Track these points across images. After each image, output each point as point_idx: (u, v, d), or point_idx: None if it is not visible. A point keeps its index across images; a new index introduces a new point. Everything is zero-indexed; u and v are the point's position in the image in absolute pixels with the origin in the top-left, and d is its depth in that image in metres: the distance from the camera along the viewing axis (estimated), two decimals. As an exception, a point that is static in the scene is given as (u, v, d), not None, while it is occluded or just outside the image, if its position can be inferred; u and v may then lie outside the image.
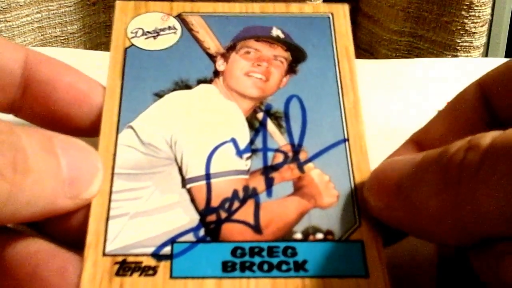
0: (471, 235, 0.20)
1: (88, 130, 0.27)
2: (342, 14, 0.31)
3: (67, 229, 0.24)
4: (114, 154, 0.25)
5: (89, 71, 0.28)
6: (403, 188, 0.22)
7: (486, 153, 0.19)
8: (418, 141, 0.26)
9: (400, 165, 0.22)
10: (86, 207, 0.24)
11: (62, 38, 0.61)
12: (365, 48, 0.62)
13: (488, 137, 0.20)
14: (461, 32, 0.54)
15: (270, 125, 0.27)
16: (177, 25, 0.30)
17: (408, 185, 0.22)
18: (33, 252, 0.22)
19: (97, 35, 0.63)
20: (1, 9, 0.55)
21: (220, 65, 0.29)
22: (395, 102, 0.36)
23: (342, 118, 0.27)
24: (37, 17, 0.58)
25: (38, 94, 0.26)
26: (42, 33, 0.59)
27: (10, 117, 0.28)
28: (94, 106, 0.27)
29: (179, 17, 0.30)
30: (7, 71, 0.26)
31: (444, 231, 0.21)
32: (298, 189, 0.25)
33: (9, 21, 0.56)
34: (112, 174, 0.25)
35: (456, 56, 0.56)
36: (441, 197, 0.20)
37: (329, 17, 0.31)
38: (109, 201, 0.24)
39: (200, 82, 0.28)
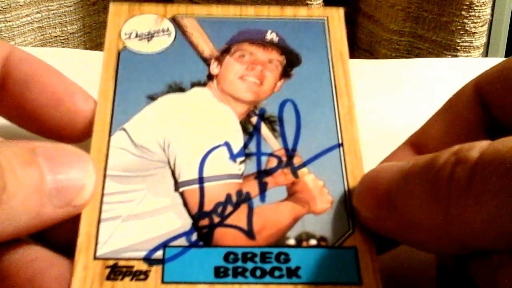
0: (464, 248, 0.20)
1: (66, 135, 0.26)
2: (337, 17, 0.31)
3: (60, 235, 0.23)
4: (107, 156, 0.25)
5: (88, 71, 0.28)
6: (392, 198, 0.22)
7: (475, 169, 0.19)
8: (415, 143, 0.26)
9: (389, 173, 0.22)
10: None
11: (62, 38, 0.61)
12: (365, 48, 0.61)
13: (476, 150, 0.19)
14: (461, 32, 0.54)
15: (264, 129, 0.27)
16: (171, 28, 0.30)
17: (397, 196, 0.21)
18: (31, 260, 0.22)
19: (97, 35, 0.63)
20: (1, 9, 0.55)
21: (214, 68, 0.29)
22: (395, 102, 0.36)
23: (336, 123, 0.27)
24: (37, 17, 0.58)
25: (14, 93, 0.26)
26: (42, 33, 0.59)
27: None
28: (69, 110, 0.26)
29: (173, 20, 0.30)
30: None
31: (436, 242, 0.21)
32: (291, 194, 0.25)
33: (9, 21, 0.56)
34: (104, 176, 0.25)
35: (456, 56, 0.55)
36: (431, 211, 0.20)
37: (323, 21, 0.31)
38: (101, 203, 0.24)
39: (194, 85, 0.28)
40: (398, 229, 0.22)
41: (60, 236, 0.23)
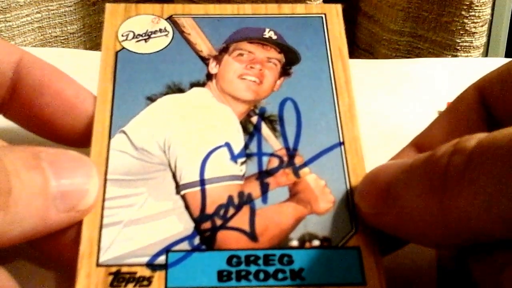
0: (461, 238, 0.20)
1: (76, 140, 0.26)
2: (335, 14, 0.31)
3: (59, 247, 0.23)
4: (107, 160, 0.25)
5: (88, 71, 0.28)
6: (391, 192, 0.22)
7: (471, 156, 0.19)
8: (418, 145, 0.26)
9: (391, 170, 0.22)
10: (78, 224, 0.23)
11: (62, 38, 0.61)
12: (365, 48, 0.61)
13: (474, 140, 0.19)
14: (461, 32, 0.54)
15: (265, 129, 0.27)
16: (168, 28, 0.30)
17: (396, 190, 0.21)
18: None
19: (97, 35, 0.63)
20: (1, 9, 0.55)
21: (213, 67, 0.28)
22: (395, 102, 0.36)
23: (337, 121, 0.27)
24: (37, 17, 0.58)
25: (25, 98, 0.26)
26: (42, 33, 0.59)
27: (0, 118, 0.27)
28: (81, 115, 0.26)
29: (170, 19, 0.30)
30: None
31: (433, 234, 0.20)
32: (294, 194, 0.25)
33: (9, 21, 0.56)
34: (105, 180, 0.24)
35: (456, 56, 0.55)
36: (427, 201, 0.20)
37: (322, 18, 0.30)
38: (102, 208, 0.24)
39: (193, 85, 0.28)
40: (397, 223, 0.22)
41: (55, 248, 0.23)
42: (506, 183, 0.18)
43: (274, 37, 0.30)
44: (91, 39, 0.63)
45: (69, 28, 0.60)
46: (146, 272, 0.22)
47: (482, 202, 0.18)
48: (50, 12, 0.59)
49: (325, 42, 0.29)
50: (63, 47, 0.60)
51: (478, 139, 0.19)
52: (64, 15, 0.59)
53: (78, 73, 0.28)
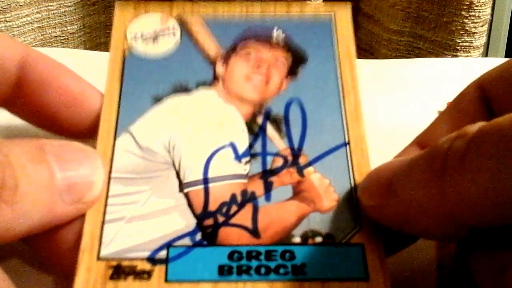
0: (459, 225, 0.20)
1: (81, 134, 0.26)
2: (344, 13, 0.30)
3: (58, 252, 0.23)
4: (112, 159, 0.25)
5: (88, 72, 0.28)
6: (393, 185, 0.21)
7: (472, 139, 0.19)
8: (421, 143, 0.26)
9: (393, 164, 0.22)
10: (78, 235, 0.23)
11: (62, 38, 0.61)
12: (365, 48, 0.61)
13: (476, 126, 0.19)
14: (461, 32, 0.54)
15: (270, 129, 0.27)
16: (176, 27, 0.30)
17: (397, 181, 0.21)
18: None
19: (97, 35, 0.63)
20: (1, 9, 0.55)
21: (220, 67, 0.29)
22: (395, 102, 0.36)
23: (342, 121, 0.27)
24: (37, 17, 0.58)
25: (31, 93, 0.26)
26: (42, 33, 0.59)
27: (4, 112, 0.27)
28: (86, 110, 0.26)
29: (179, 18, 0.30)
30: (2, 68, 0.26)
31: (434, 223, 0.20)
32: (297, 193, 0.25)
33: (9, 21, 0.56)
34: (109, 178, 0.25)
35: (456, 56, 0.55)
36: (427, 188, 0.20)
37: (331, 16, 0.30)
38: (105, 205, 0.24)
39: (199, 85, 0.28)
40: (397, 215, 0.21)
41: (55, 252, 0.24)
42: (507, 164, 0.18)
43: (282, 36, 0.30)
44: (91, 39, 0.63)
45: (69, 28, 0.60)
46: (146, 266, 0.22)
47: (482, 185, 0.18)
48: (50, 12, 0.59)
49: (333, 41, 0.29)
50: (63, 47, 0.60)
51: (479, 125, 0.19)
52: (64, 15, 0.59)
53: (78, 73, 0.28)
